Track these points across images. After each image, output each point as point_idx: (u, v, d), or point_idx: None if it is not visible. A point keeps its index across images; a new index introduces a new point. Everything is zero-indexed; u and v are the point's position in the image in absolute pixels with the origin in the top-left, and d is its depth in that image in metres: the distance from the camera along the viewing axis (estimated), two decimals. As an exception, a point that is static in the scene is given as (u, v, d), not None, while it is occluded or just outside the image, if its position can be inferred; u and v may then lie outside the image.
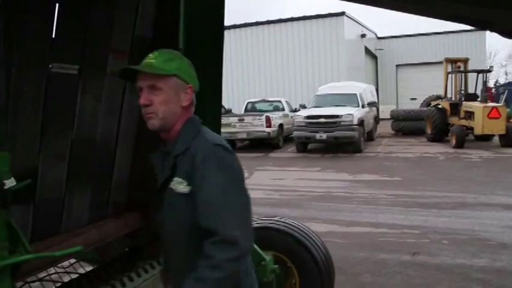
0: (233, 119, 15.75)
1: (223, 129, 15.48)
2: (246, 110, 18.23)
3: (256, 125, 15.37)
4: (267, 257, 2.93)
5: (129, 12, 2.72)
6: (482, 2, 1.90)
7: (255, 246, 2.94)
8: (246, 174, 12.04)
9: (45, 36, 2.23)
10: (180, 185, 1.61)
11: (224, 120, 15.57)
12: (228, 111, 18.80)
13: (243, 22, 25.25)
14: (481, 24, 2.33)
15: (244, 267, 1.68)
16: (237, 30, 24.81)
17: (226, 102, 21.20)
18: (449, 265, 4.68)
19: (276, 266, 2.97)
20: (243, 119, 15.68)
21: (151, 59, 1.66)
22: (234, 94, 24.14)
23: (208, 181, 1.55)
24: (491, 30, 2.20)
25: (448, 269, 4.56)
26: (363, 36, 27.11)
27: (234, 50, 24.29)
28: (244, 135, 15.74)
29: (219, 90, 3.15)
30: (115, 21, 2.62)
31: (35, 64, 2.19)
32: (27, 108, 2.20)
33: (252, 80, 24.72)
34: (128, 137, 2.91)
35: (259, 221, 3.35)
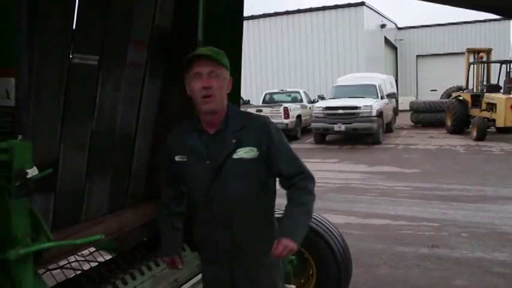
0: (252, 111, 15.70)
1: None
2: (264, 101, 18.20)
3: (275, 116, 15.34)
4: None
5: (149, 2, 2.73)
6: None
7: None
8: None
9: (65, 27, 2.25)
10: (249, 153, 1.93)
11: (242, 111, 15.57)
12: (246, 103, 18.79)
13: (262, 13, 25.15)
14: (505, 12, 2.27)
15: None
16: (256, 21, 24.72)
17: (244, 94, 21.20)
18: (469, 259, 4.63)
19: (294, 257, 2.98)
20: (261, 110, 15.65)
21: (208, 50, 1.92)
22: (252, 85, 24.11)
23: (283, 142, 2.02)
24: (516, 20, 2.15)
25: (467, 263, 4.52)
26: (383, 26, 26.74)
27: (253, 41, 24.20)
28: (263, 127, 15.70)
29: (238, 82, 3.15)
30: (134, 11, 2.62)
31: (56, 55, 2.22)
32: (48, 98, 2.23)
33: (270, 71, 24.65)
34: (146, 128, 2.93)
35: (277, 213, 3.35)
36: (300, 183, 1.98)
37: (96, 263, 2.72)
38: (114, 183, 2.76)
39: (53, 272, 2.49)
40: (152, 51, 2.80)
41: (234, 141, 1.92)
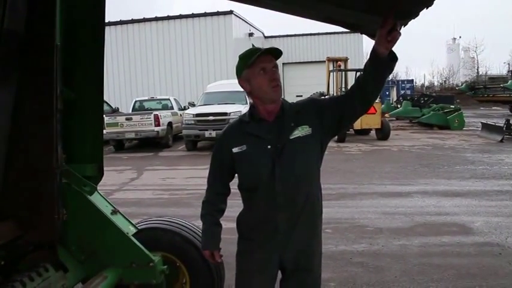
0: (121, 118, 15.20)
1: (110, 129, 14.95)
2: (134, 108, 17.72)
3: (145, 124, 15.01)
4: (156, 258, 2.89)
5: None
6: (350, 6, 2.05)
7: (142, 247, 2.89)
8: (134, 175, 11.62)
9: None
10: (303, 130, 2.14)
11: (111, 119, 14.99)
12: (116, 110, 18.12)
13: (130, 18, 24.48)
14: (352, 26, 2.51)
15: None
16: (124, 26, 24.00)
17: (113, 101, 20.43)
18: (333, 252, 4.98)
19: (165, 267, 2.94)
20: (131, 118, 15.22)
21: (267, 48, 2.16)
22: (122, 92, 23.34)
23: (327, 99, 2.32)
24: (360, 33, 2.38)
25: (332, 256, 4.85)
26: (251, 35, 27.72)
27: (121, 47, 23.47)
28: (132, 135, 15.27)
29: (101, 88, 3.03)
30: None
31: None
32: None
33: (140, 78, 24.07)
34: (-2, 141, 2.68)
35: (146, 223, 3.29)
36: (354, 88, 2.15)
37: None
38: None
39: None
40: (2, 56, 2.57)
41: (292, 124, 2.14)
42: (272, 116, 2.18)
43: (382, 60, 1.95)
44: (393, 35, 1.89)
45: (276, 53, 2.15)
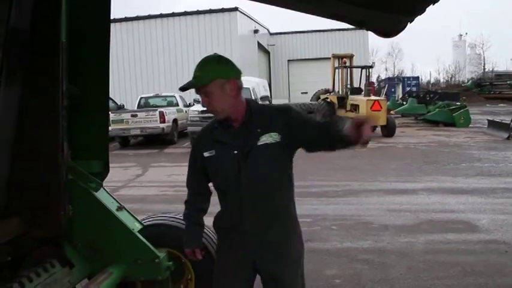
0: (126, 115, 15.24)
1: (116, 126, 14.96)
2: (139, 105, 17.73)
3: (150, 121, 15.04)
4: (161, 254, 2.89)
5: (2, 1, 2.50)
6: (357, 2, 2.04)
7: (148, 244, 2.90)
8: (139, 172, 11.67)
9: None
10: (271, 138, 2.14)
11: (116, 116, 15.03)
12: (121, 107, 18.14)
13: (135, 15, 24.50)
14: (358, 23, 2.50)
15: None
16: (129, 23, 23.99)
17: (118, 98, 20.45)
18: (338, 249, 4.98)
19: (171, 263, 2.95)
20: (136, 115, 15.25)
21: (196, 72, 2.16)
22: (127, 89, 23.37)
23: (302, 117, 2.25)
24: (366, 29, 2.37)
25: (337, 253, 4.85)
26: (256, 31, 27.64)
27: (127, 44, 23.46)
28: (137, 132, 15.30)
29: (106, 85, 3.04)
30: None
31: None
32: None
33: (145, 75, 24.08)
34: (4, 139, 2.69)
35: (151, 219, 3.30)
36: (329, 124, 2.24)
37: None
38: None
39: None
40: (8, 54, 2.58)
41: (259, 130, 2.15)
42: (238, 122, 2.21)
43: (351, 144, 2.07)
44: (365, 141, 2.00)
45: (197, 85, 2.16)
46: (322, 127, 2.21)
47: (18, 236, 2.70)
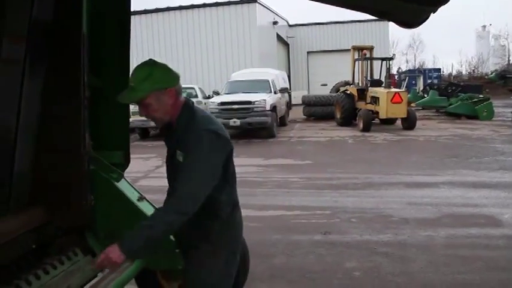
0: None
1: (136, 117, 14.99)
2: (159, 97, 17.81)
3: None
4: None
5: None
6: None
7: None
8: (159, 162, 11.73)
9: None
10: (180, 156, 2.20)
11: (136, 108, 15.10)
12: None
13: (154, 7, 24.59)
14: (379, 13, 2.46)
15: None
16: (148, 15, 24.10)
17: (138, 90, 20.56)
18: (358, 242, 4.95)
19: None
20: (156, 107, 15.32)
21: (131, 82, 2.16)
22: (147, 81, 23.49)
23: (194, 158, 2.13)
24: (389, 20, 2.33)
25: (356, 246, 4.83)
26: (275, 23, 27.49)
27: (146, 36, 23.58)
28: (157, 123, 15.36)
29: (127, 76, 3.05)
30: (7, 1, 2.42)
31: None
32: None
33: (165, 66, 24.17)
34: (29, 128, 2.73)
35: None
36: (168, 200, 2.31)
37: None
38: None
39: None
40: (31, 45, 2.61)
41: (176, 142, 2.24)
42: (172, 128, 2.30)
43: None
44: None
45: (134, 99, 2.23)
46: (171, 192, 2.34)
47: (42, 225, 2.75)
